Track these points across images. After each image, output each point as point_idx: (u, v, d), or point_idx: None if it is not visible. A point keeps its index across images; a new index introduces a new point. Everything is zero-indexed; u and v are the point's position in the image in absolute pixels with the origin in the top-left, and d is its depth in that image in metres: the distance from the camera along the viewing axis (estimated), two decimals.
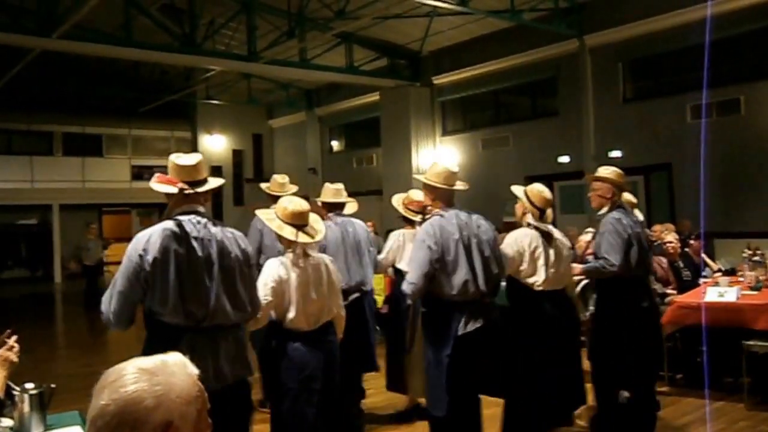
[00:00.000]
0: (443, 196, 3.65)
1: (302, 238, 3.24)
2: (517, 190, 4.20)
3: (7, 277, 18.03)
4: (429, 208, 3.75)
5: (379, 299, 6.42)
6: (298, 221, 3.28)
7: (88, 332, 10.18)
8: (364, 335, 4.51)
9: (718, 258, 8.21)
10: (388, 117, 14.79)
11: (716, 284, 5.69)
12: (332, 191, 4.80)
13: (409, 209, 4.96)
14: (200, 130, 19.44)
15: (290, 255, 3.30)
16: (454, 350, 3.40)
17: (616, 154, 11.09)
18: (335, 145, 18.48)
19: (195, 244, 2.58)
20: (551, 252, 4.02)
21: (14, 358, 2.54)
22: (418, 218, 4.83)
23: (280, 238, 3.35)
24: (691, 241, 7.54)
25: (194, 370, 1.21)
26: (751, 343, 4.88)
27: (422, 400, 4.83)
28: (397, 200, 5.04)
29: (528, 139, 12.63)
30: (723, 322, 5.07)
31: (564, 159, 11.97)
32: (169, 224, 2.60)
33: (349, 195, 4.96)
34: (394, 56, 14.56)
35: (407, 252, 4.76)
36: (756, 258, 6.72)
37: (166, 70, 16.31)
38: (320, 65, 13.48)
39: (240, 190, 20.03)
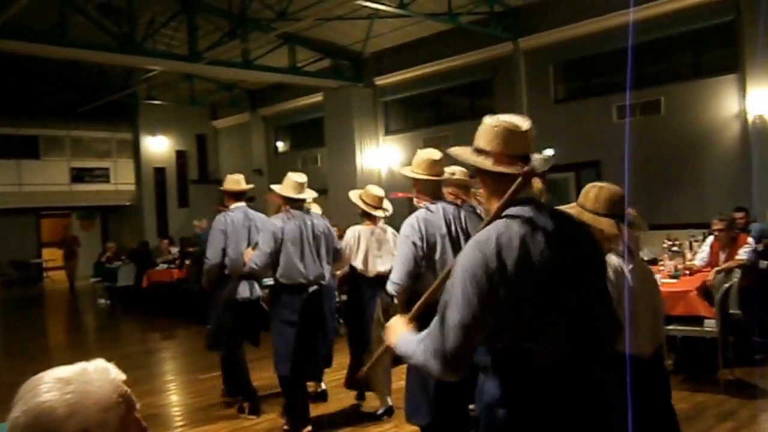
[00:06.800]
0: (427, 188, 3.36)
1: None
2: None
3: None
4: (415, 201, 3.43)
5: None
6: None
7: (27, 340, 9.98)
8: (320, 329, 4.55)
9: (641, 248, 8.76)
10: (332, 117, 15.00)
11: None
12: (294, 185, 4.50)
13: (368, 204, 4.85)
14: (142, 130, 19.16)
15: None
16: None
17: (548, 152, 11.60)
18: (280, 145, 18.53)
19: (548, 242, 1.76)
20: None
21: None
22: (378, 213, 4.82)
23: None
24: None
25: (119, 376, 1.17)
26: (670, 327, 5.19)
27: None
28: (355, 195, 4.90)
29: (467, 138, 12.78)
30: None
31: None
32: (519, 216, 1.78)
33: None
34: (337, 57, 14.77)
35: (361, 249, 4.83)
36: (675, 248, 7.25)
37: (104, 69, 16.04)
38: (263, 66, 13.55)
39: (185, 192, 19.84)
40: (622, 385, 1.92)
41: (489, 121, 1.89)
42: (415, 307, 2.08)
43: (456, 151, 1.97)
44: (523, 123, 1.86)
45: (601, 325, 1.83)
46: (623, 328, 2.03)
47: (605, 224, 2.42)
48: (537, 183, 2.61)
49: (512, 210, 1.80)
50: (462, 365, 1.75)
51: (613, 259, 2.48)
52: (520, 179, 1.77)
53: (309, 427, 4.50)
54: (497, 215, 1.81)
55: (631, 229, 2.51)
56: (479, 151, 1.87)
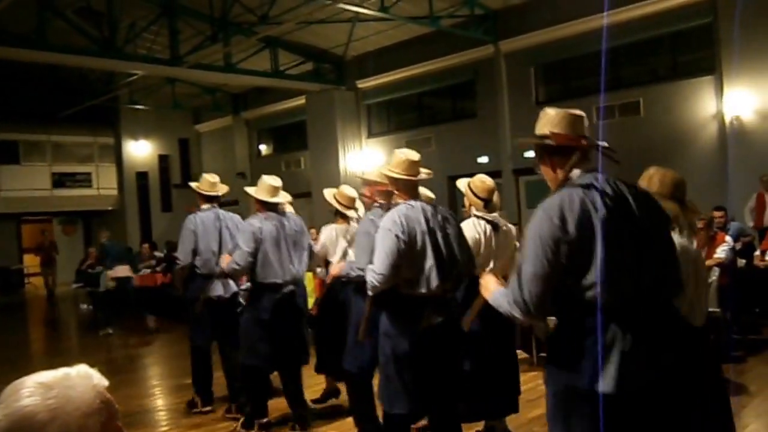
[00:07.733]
0: (406, 188, 3.48)
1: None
2: (461, 184, 4.16)
3: None
4: (393, 199, 3.59)
5: (310, 301, 6.32)
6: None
7: (9, 346, 9.86)
8: (294, 327, 4.62)
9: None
10: (315, 120, 15.00)
11: None
12: (268, 188, 4.56)
13: (341, 204, 4.90)
14: (124, 135, 19.03)
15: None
16: (413, 346, 3.27)
17: (530, 154, 11.66)
18: (263, 148, 18.50)
19: (607, 205, 2.05)
20: (500, 241, 4.00)
21: None
22: (351, 213, 4.88)
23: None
24: None
25: (101, 382, 1.17)
26: None
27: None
28: (329, 194, 4.95)
29: (449, 140, 13.12)
30: None
31: (483, 159, 12.53)
32: (581, 183, 2.10)
33: None
34: (319, 60, 14.78)
35: (339, 247, 4.88)
36: None
37: (85, 74, 15.90)
38: (245, 69, 13.53)
39: (168, 196, 19.71)
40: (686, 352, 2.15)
41: (551, 111, 2.27)
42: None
43: (522, 138, 2.40)
44: (577, 111, 2.26)
45: (658, 281, 2.08)
46: (682, 288, 2.27)
47: (671, 207, 2.66)
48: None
49: (576, 178, 2.13)
50: (539, 310, 2.08)
51: (675, 239, 2.62)
52: (578, 151, 2.15)
53: (265, 419, 4.62)
54: (562, 182, 2.15)
55: (690, 211, 2.81)
56: (542, 137, 2.24)
